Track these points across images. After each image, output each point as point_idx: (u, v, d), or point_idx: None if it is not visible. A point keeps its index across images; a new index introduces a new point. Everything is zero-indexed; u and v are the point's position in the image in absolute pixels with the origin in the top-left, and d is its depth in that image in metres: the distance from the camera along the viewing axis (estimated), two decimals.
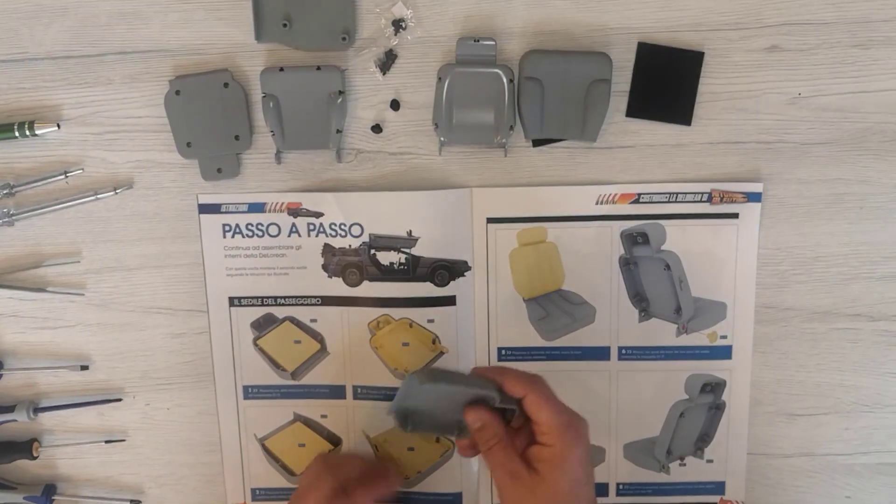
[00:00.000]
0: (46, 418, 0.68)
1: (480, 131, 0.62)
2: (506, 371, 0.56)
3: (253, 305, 0.66)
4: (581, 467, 0.53)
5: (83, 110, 0.63)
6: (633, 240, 0.64)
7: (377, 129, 0.63)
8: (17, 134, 0.62)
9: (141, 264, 0.65)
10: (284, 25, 0.60)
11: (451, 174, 0.64)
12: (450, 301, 0.65)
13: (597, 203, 0.64)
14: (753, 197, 0.63)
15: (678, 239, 0.64)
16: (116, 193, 0.64)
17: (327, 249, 0.65)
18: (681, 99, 0.57)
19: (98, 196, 0.64)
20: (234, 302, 0.66)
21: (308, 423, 0.68)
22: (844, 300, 0.65)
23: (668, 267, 0.64)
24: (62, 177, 0.64)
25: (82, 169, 0.64)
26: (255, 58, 0.62)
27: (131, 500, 0.69)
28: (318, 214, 0.64)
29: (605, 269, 0.65)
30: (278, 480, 0.68)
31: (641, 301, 0.65)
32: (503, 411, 0.56)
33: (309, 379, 0.67)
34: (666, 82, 0.58)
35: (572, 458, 0.53)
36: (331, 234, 0.64)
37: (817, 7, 0.61)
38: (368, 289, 0.65)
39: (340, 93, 0.61)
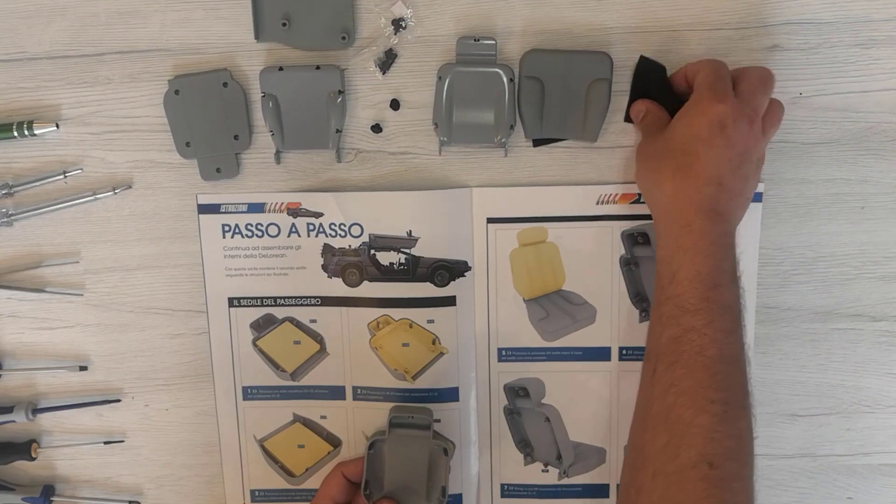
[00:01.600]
0: (45, 419, 0.67)
1: (480, 131, 0.61)
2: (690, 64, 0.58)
3: (252, 306, 0.66)
4: (706, 124, 0.53)
5: (82, 110, 0.63)
6: (634, 240, 0.64)
7: (377, 128, 0.63)
8: (15, 134, 0.62)
9: (140, 265, 0.65)
10: (284, 25, 0.60)
11: (451, 174, 0.64)
12: (450, 301, 0.65)
13: (597, 203, 0.63)
14: (754, 197, 0.62)
15: None
16: (115, 193, 0.64)
17: (327, 250, 0.64)
18: (673, 114, 0.58)
19: (97, 196, 0.64)
20: (233, 302, 0.65)
21: (307, 423, 0.67)
22: (846, 300, 0.65)
23: None
24: (61, 177, 0.63)
25: (81, 169, 0.64)
26: (255, 57, 0.62)
27: (130, 501, 0.69)
28: (318, 214, 0.64)
29: (606, 269, 0.64)
30: (278, 482, 0.68)
31: (642, 301, 0.65)
32: None
33: (308, 380, 0.67)
34: (662, 100, 0.59)
35: (696, 110, 0.54)
36: (330, 235, 0.64)
37: (818, 6, 0.61)
38: (368, 289, 0.65)
39: (340, 92, 0.61)
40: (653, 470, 0.51)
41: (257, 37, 0.61)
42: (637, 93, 0.60)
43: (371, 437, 0.62)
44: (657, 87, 0.60)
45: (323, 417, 0.67)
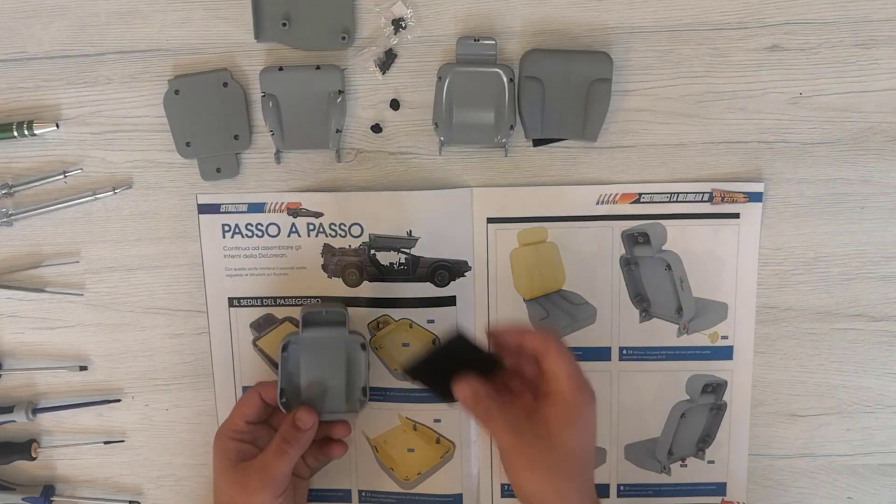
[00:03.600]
0: (45, 419, 0.67)
1: (480, 131, 0.61)
2: (524, 330, 0.55)
3: (252, 306, 0.65)
4: (593, 421, 0.53)
5: (82, 110, 0.63)
6: (634, 240, 0.64)
7: (377, 128, 0.63)
8: (15, 133, 0.62)
9: (140, 264, 0.65)
10: (284, 25, 0.60)
11: (451, 174, 0.64)
12: (450, 301, 0.64)
13: (597, 203, 0.63)
14: (754, 197, 0.63)
15: (679, 239, 0.64)
16: (115, 193, 0.64)
17: (327, 250, 0.64)
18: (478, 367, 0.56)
19: (97, 196, 0.64)
20: (233, 302, 0.65)
21: None
22: (846, 300, 0.65)
23: (668, 267, 0.64)
24: (61, 177, 0.63)
25: (81, 169, 0.64)
26: (255, 57, 0.62)
27: (130, 501, 0.69)
28: (318, 214, 0.64)
29: (606, 269, 0.64)
30: None
31: (642, 301, 0.65)
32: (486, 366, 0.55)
33: None
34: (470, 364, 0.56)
35: (586, 417, 0.52)
36: (330, 235, 0.64)
37: (818, 6, 0.61)
38: (368, 289, 0.65)
39: (340, 92, 0.61)
40: None
41: (257, 37, 0.61)
42: (438, 360, 0.56)
43: (283, 339, 0.59)
44: (465, 354, 0.56)
45: None
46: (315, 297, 0.65)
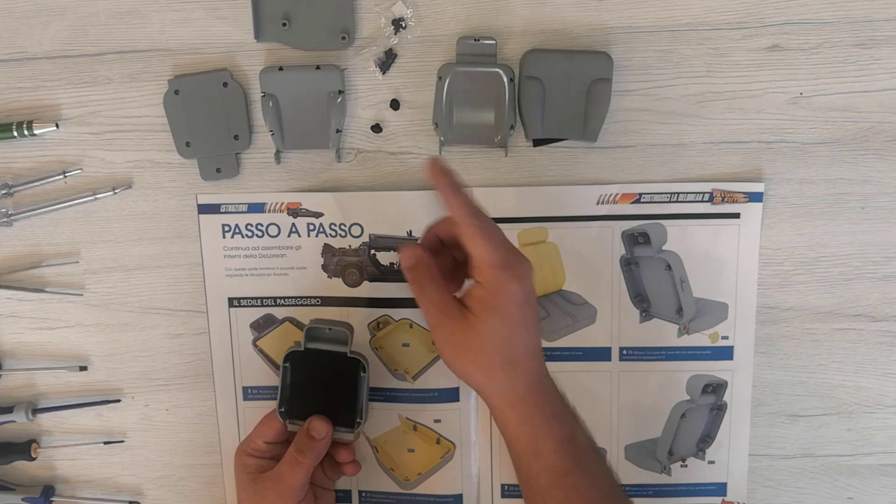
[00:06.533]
0: (45, 419, 0.67)
1: (481, 131, 0.61)
2: (448, 217, 0.53)
3: (252, 306, 0.65)
4: (517, 309, 0.50)
5: (82, 110, 0.63)
6: (635, 240, 0.64)
7: (377, 128, 0.63)
8: (15, 134, 0.62)
9: (140, 264, 0.65)
10: (284, 25, 0.60)
11: None
12: None
13: (598, 203, 0.63)
14: (755, 197, 0.63)
15: (679, 239, 0.64)
16: (115, 193, 0.64)
17: (327, 250, 0.64)
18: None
19: (97, 196, 0.63)
20: (233, 302, 0.65)
21: None
22: (846, 300, 0.65)
23: (669, 267, 0.64)
24: (61, 177, 0.63)
25: (81, 169, 0.64)
26: (255, 57, 0.62)
27: (130, 502, 0.69)
28: (318, 214, 0.64)
29: (607, 269, 0.64)
30: None
31: (642, 301, 0.65)
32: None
33: None
34: None
35: (505, 297, 0.49)
36: (331, 235, 0.64)
37: (818, 6, 0.61)
38: (368, 289, 0.65)
39: (340, 92, 0.61)
40: None
41: (257, 37, 0.61)
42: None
43: (287, 350, 0.60)
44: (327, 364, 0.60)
45: None
46: (315, 298, 0.65)
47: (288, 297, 0.65)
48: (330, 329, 0.60)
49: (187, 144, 0.62)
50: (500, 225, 0.63)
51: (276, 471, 0.58)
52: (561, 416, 0.52)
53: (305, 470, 0.57)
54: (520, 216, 0.64)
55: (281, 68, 0.61)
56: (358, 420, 0.60)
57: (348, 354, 0.59)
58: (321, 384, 0.60)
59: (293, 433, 0.60)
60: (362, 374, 0.59)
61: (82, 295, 0.66)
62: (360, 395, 0.60)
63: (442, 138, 0.62)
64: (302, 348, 0.60)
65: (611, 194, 0.63)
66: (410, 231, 0.64)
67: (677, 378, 0.66)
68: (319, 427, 0.58)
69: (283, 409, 0.60)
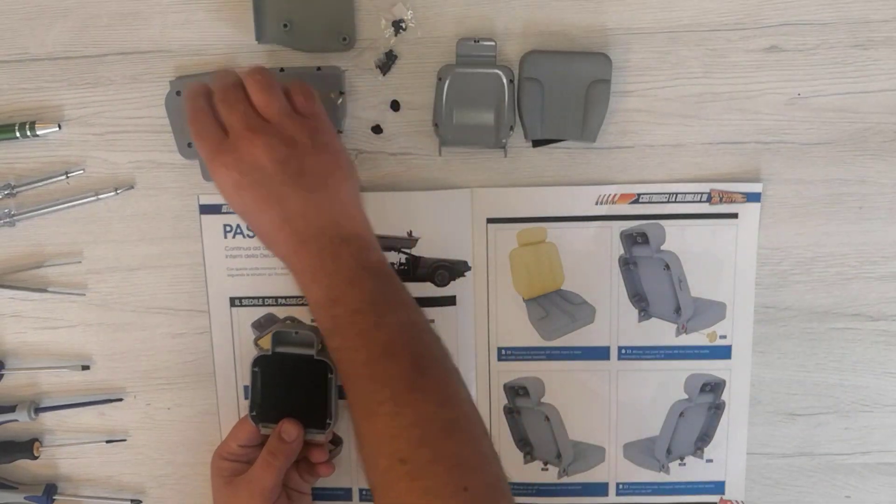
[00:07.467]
0: (47, 418, 0.68)
1: (480, 132, 0.62)
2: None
3: (254, 306, 0.66)
4: (233, 183, 0.52)
5: (84, 111, 0.63)
6: (633, 240, 0.64)
7: (377, 129, 0.63)
8: (18, 134, 0.62)
9: (142, 264, 0.66)
10: (285, 26, 0.61)
11: (451, 174, 0.64)
12: (450, 301, 0.65)
13: (596, 203, 0.64)
14: (753, 197, 0.63)
15: (678, 239, 0.64)
16: (117, 194, 0.64)
17: None
18: None
19: (99, 196, 0.64)
20: (235, 302, 0.66)
21: None
22: (844, 300, 0.65)
23: (667, 267, 0.64)
24: (63, 177, 0.64)
25: (83, 169, 0.64)
26: (256, 58, 0.62)
27: (132, 500, 0.69)
28: None
29: (605, 269, 0.65)
30: None
31: (641, 301, 0.65)
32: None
33: None
34: None
35: (219, 169, 0.52)
36: None
37: (817, 7, 0.61)
38: None
39: (341, 93, 0.61)
40: (371, 485, 0.50)
41: (258, 38, 0.61)
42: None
43: (255, 355, 0.61)
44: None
45: None
46: None
47: (289, 297, 0.65)
48: (297, 333, 0.61)
49: (189, 145, 0.62)
50: (499, 225, 0.64)
51: (249, 474, 0.59)
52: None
53: (277, 471, 0.59)
54: (519, 216, 0.64)
55: (282, 70, 0.61)
56: (328, 421, 0.60)
57: (315, 357, 0.60)
58: (291, 387, 0.60)
59: (266, 436, 0.60)
60: (329, 375, 0.60)
61: (84, 295, 0.66)
62: (330, 396, 0.60)
63: (442, 139, 0.62)
64: (270, 353, 0.61)
65: (609, 194, 0.64)
66: (410, 231, 0.64)
67: (675, 377, 0.66)
68: (290, 429, 0.59)
69: (254, 413, 0.60)
